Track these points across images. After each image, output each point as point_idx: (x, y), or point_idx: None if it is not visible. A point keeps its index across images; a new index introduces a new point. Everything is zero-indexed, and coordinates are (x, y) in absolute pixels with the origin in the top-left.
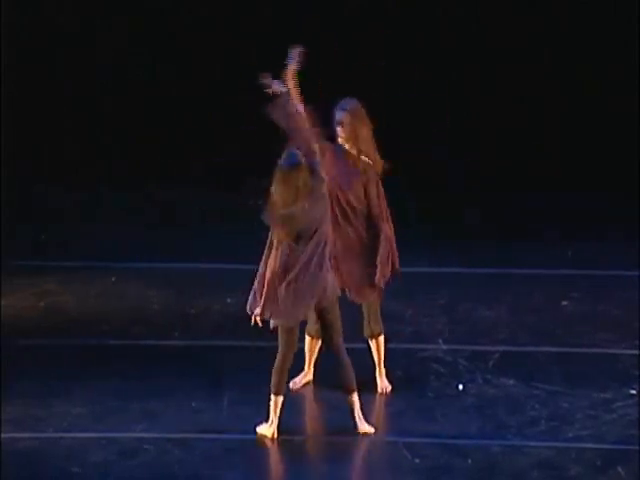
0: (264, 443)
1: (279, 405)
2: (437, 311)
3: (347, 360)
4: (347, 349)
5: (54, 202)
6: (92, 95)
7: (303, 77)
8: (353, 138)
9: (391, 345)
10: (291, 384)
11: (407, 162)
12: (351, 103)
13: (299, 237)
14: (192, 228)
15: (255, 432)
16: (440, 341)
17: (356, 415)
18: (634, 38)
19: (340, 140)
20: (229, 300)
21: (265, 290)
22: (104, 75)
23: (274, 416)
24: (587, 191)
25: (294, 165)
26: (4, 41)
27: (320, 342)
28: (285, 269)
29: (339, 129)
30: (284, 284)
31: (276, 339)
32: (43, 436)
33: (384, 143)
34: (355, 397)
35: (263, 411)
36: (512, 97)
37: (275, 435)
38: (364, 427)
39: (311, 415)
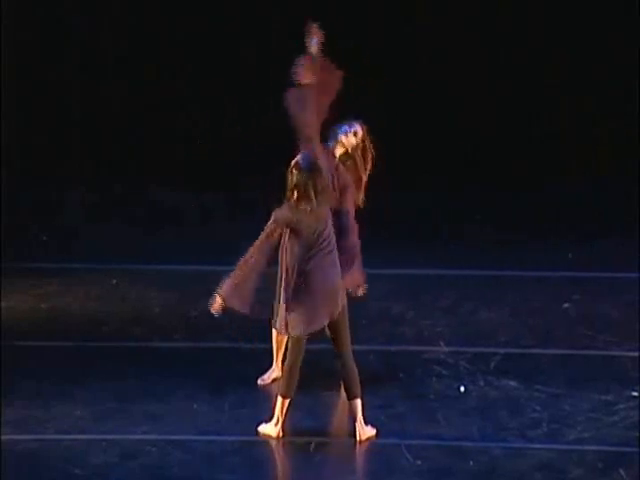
0: (266, 444)
1: (286, 407)
2: (438, 313)
3: (353, 366)
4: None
5: (55, 203)
6: (93, 95)
7: None
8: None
9: (392, 347)
10: (259, 381)
11: (407, 162)
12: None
13: (308, 238)
14: (193, 230)
15: (256, 432)
16: (442, 343)
17: (357, 422)
18: (634, 37)
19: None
20: None
21: (284, 298)
22: (105, 75)
23: (280, 416)
24: (588, 192)
25: (311, 166)
26: (4, 41)
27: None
28: (299, 273)
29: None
30: (300, 292)
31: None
32: (44, 438)
33: (384, 145)
34: (357, 403)
35: (264, 413)
36: (514, 97)
37: (280, 435)
38: (364, 434)
39: (312, 416)
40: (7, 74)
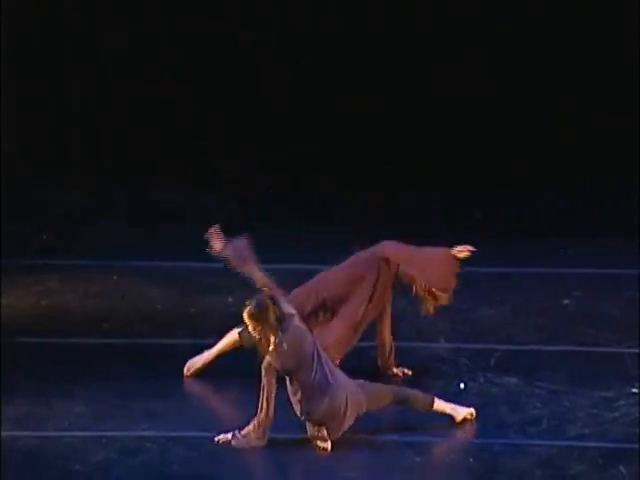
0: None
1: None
2: (439, 309)
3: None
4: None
5: (55, 201)
6: (93, 95)
7: None
8: None
9: (393, 344)
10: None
11: (407, 161)
12: None
13: (295, 371)
14: (194, 227)
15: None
16: (442, 339)
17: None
18: (634, 37)
19: None
20: (230, 299)
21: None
22: (105, 75)
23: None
24: (588, 191)
25: (260, 306)
26: (4, 41)
27: None
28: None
29: None
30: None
31: None
32: (44, 435)
33: (385, 143)
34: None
35: None
36: (514, 97)
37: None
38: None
39: None
40: (7, 74)
